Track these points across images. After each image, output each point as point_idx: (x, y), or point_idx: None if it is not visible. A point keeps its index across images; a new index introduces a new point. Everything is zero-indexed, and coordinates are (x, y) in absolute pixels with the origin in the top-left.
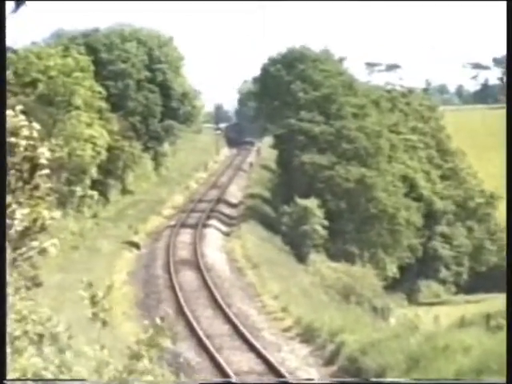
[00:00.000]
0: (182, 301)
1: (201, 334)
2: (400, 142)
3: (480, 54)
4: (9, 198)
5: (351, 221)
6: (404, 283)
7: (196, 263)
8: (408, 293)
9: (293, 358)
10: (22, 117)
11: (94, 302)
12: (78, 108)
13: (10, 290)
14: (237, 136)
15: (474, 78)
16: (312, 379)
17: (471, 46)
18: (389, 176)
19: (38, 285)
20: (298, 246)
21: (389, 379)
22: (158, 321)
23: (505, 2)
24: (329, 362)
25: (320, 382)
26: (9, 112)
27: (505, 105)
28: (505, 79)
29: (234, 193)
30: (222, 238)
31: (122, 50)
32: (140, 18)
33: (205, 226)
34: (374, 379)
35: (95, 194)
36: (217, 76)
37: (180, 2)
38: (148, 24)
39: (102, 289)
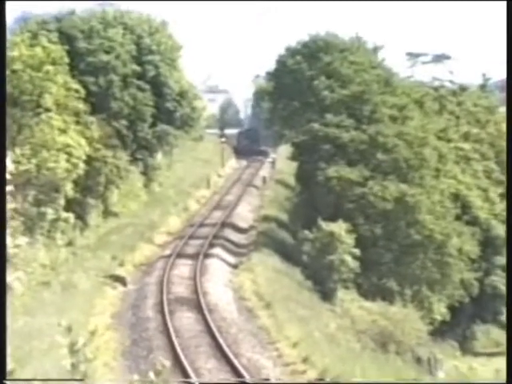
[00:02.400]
0: (178, 349)
1: None
2: (450, 152)
3: None
4: None
5: (389, 250)
6: (456, 328)
7: (196, 302)
8: (461, 340)
9: None
10: None
11: (73, 350)
12: (48, 110)
13: None
14: (249, 144)
15: None
16: (268, 379)
17: None
18: (436, 194)
19: None
20: (322, 281)
21: (388, 379)
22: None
23: (504, 2)
24: None
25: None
26: None
27: None
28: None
29: (244, 215)
30: (228, 271)
31: (104, 37)
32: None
33: (207, 256)
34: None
35: (71, 216)
36: (222, 70)
37: None
38: (137, 7)
39: (80, 335)
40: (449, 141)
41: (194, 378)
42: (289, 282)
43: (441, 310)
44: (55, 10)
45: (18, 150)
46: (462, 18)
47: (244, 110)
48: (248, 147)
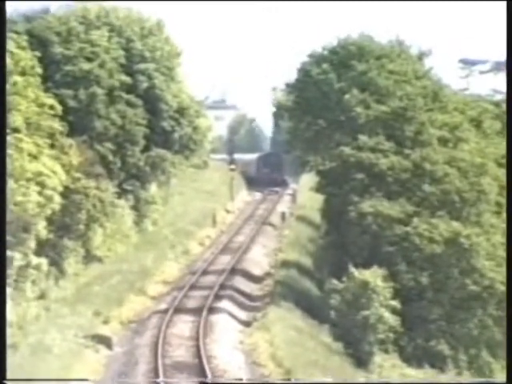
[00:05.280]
0: None
1: None
2: None
3: None
4: None
5: (438, 304)
6: None
7: (199, 369)
8: None
9: None
10: None
11: None
12: (17, 131)
13: None
14: (270, 173)
15: None
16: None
17: None
18: (497, 235)
19: None
20: (355, 343)
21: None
22: None
23: (504, 2)
24: None
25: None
26: None
27: None
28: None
29: (258, 259)
30: (238, 330)
31: (86, 41)
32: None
33: (212, 310)
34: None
35: (43, 262)
36: (231, 81)
37: None
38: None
39: None
40: None
41: None
42: (314, 344)
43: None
44: (25, 7)
45: None
46: None
47: (259, 130)
48: (268, 176)
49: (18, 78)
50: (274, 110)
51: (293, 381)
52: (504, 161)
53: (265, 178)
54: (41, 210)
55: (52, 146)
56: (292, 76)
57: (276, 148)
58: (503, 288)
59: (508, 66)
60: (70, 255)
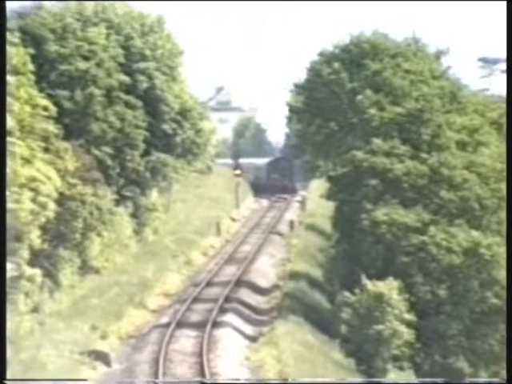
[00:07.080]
0: None
1: None
2: None
3: None
4: None
5: (457, 318)
6: None
7: None
8: None
9: None
10: None
11: None
12: (8, 133)
13: None
14: (280, 179)
15: None
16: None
17: None
18: None
19: None
20: (368, 359)
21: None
22: None
23: (504, 2)
24: None
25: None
26: None
27: None
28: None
29: (265, 270)
30: (244, 346)
31: (82, 38)
32: None
33: (217, 325)
34: None
35: (37, 273)
36: (237, 81)
37: None
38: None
39: None
40: None
41: None
42: (324, 360)
43: None
44: (17, 3)
45: None
46: None
47: (267, 133)
48: (278, 182)
49: (9, 78)
50: (283, 112)
51: (290, 381)
52: None
53: (275, 184)
54: (34, 217)
55: (46, 150)
56: (301, 76)
57: (288, 153)
58: None
59: (508, 65)
60: (65, 266)
